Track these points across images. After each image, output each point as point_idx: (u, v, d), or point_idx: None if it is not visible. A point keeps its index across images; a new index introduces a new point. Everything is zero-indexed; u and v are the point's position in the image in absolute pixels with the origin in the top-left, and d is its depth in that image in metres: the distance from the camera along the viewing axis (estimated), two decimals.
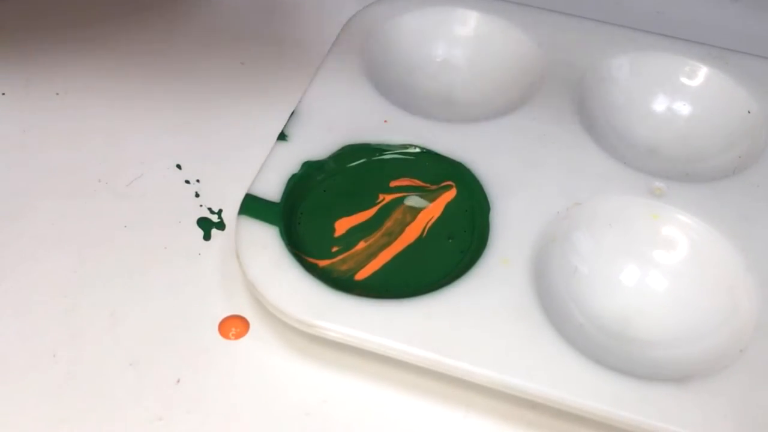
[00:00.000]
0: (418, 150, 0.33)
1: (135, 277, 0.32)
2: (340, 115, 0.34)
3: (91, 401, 0.29)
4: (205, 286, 0.32)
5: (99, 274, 0.32)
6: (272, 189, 0.31)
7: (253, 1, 0.42)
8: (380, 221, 0.32)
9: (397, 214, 0.32)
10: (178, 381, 0.29)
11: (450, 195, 0.32)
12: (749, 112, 0.35)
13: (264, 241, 0.30)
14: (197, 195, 0.34)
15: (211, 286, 0.32)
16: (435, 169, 0.33)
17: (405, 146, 0.33)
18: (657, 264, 0.31)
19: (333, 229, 0.31)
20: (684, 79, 0.36)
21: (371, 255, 0.31)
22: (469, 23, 0.38)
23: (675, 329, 0.30)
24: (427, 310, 0.28)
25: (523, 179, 0.32)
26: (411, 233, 0.31)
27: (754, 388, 0.27)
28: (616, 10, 0.42)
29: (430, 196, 0.32)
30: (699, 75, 0.36)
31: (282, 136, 0.33)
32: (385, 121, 0.34)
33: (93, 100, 0.37)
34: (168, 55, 0.39)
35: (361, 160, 0.33)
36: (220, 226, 0.33)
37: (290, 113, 0.34)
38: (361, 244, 0.31)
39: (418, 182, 0.33)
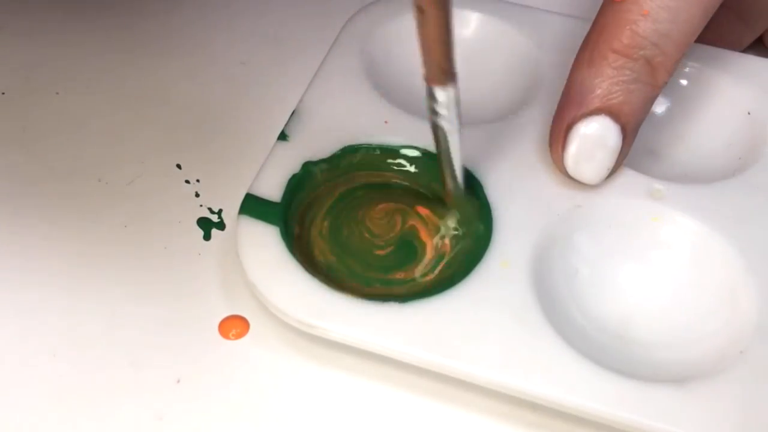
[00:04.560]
0: (418, 154, 0.33)
1: (135, 277, 0.32)
2: (341, 115, 0.34)
3: (91, 401, 0.29)
4: (205, 286, 0.32)
5: (99, 274, 0.32)
6: (273, 189, 0.31)
7: (254, 1, 0.42)
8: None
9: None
10: (178, 381, 0.29)
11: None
12: (749, 113, 0.35)
13: (264, 241, 0.30)
14: (197, 195, 0.34)
15: (211, 286, 0.32)
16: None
17: (405, 147, 0.33)
18: (657, 266, 0.31)
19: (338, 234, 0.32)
20: (683, 80, 0.36)
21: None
22: (469, 24, 0.38)
23: (675, 331, 0.30)
24: (427, 311, 0.28)
25: (524, 181, 0.32)
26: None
27: (755, 389, 0.27)
28: None
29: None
30: (698, 76, 0.36)
31: (282, 136, 0.33)
32: (386, 122, 0.34)
33: (93, 100, 0.37)
34: (168, 54, 0.39)
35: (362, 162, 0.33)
36: (220, 226, 0.33)
37: (290, 113, 0.34)
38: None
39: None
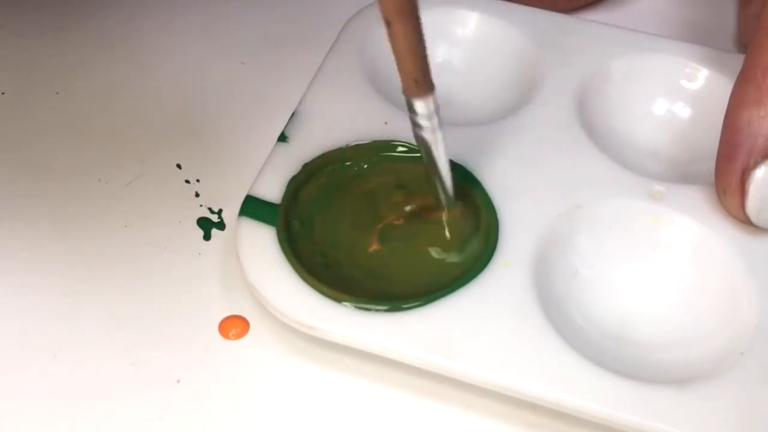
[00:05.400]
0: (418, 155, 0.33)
1: (135, 277, 0.32)
2: (341, 116, 0.34)
3: (91, 401, 0.29)
4: (205, 286, 0.32)
5: (99, 274, 0.32)
6: (273, 190, 0.31)
7: (254, 1, 0.42)
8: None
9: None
10: (178, 381, 0.29)
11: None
12: None
13: (264, 243, 0.30)
14: (197, 195, 0.34)
15: (211, 286, 0.32)
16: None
17: (404, 147, 0.33)
18: (657, 267, 0.31)
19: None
20: (684, 82, 0.36)
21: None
22: (469, 24, 0.38)
23: (675, 332, 0.30)
24: (427, 312, 0.28)
25: (524, 182, 0.32)
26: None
27: (755, 391, 0.27)
28: (615, 12, 0.42)
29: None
30: (699, 77, 0.36)
31: (282, 137, 0.33)
32: (386, 123, 0.34)
33: (93, 100, 0.37)
34: (168, 54, 0.39)
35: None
36: (220, 226, 0.33)
37: (290, 114, 0.34)
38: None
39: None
